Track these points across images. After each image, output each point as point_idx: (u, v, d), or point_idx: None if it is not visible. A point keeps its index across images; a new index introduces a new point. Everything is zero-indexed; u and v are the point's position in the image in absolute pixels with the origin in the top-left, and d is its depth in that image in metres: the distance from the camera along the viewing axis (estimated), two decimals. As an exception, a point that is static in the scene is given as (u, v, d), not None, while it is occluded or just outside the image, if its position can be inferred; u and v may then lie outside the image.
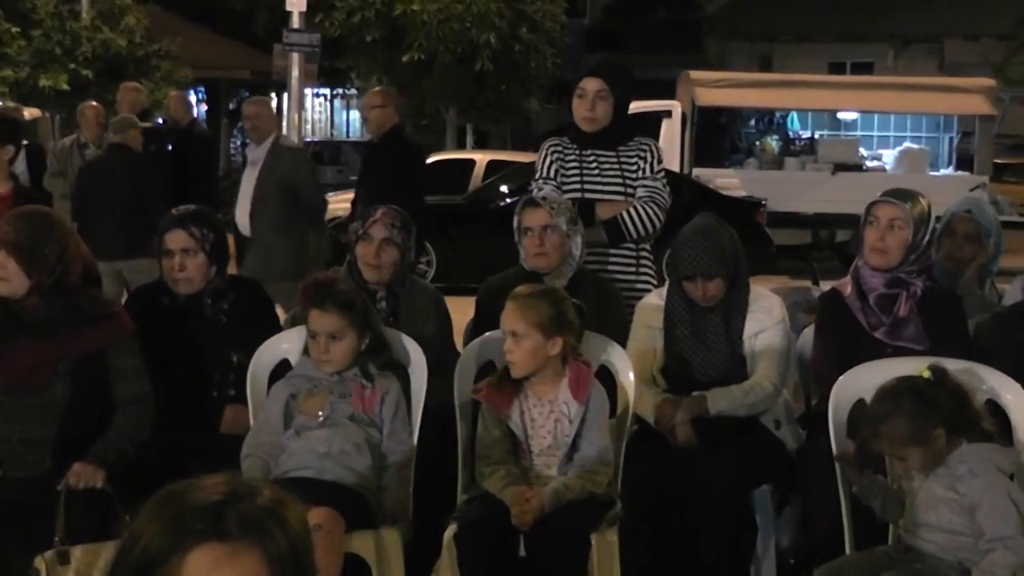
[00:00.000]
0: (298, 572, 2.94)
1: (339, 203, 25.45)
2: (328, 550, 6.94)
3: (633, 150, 9.67)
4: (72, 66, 37.06)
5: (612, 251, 9.36)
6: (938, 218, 9.08)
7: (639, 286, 9.31)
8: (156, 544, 2.92)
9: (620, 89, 9.68)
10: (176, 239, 8.30)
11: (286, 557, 2.93)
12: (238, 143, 40.95)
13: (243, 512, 2.94)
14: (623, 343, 8.21)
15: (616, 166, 9.52)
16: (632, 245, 9.49)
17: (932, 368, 6.58)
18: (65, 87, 36.98)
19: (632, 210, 9.40)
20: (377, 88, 20.91)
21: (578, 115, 9.60)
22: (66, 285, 7.52)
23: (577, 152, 9.50)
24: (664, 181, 9.70)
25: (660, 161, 9.85)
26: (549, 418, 7.47)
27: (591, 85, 9.57)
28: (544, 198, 8.85)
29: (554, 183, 9.31)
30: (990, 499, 6.33)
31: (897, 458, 6.57)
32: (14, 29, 38.22)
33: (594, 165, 9.48)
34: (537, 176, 9.47)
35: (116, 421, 7.54)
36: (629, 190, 9.48)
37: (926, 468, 6.48)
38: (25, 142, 17.30)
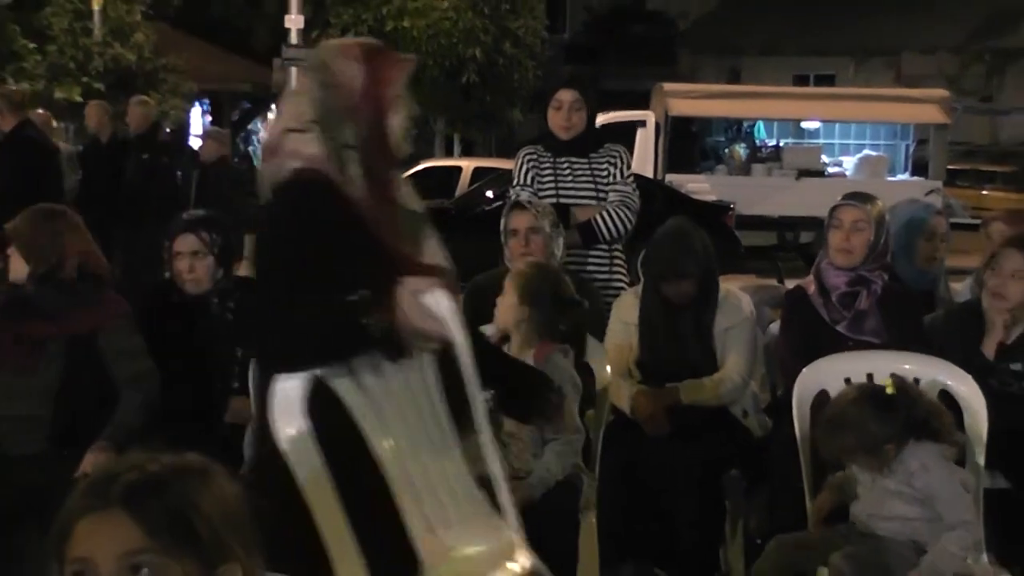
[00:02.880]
0: (188, 539, 2.85)
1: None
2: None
3: (604, 157, 9.67)
4: (85, 79, 36.97)
5: (589, 252, 9.35)
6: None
7: (614, 284, 9.32)
8: (61, 517, 2.89)
9: (591, 100, 9.69)
10: (186, 243, 8.33)
11: (164, 523, 2.84)
12: (245, 151, 40.79)
13: (124, 483, 2.87)
14: (601, 338, 8.21)
15: (588, 172, 9.53)
16: (605, 247, 9.49)
17: (895, 381, 6.59)
18: (78, 99, 36.82)
19: (605, 214, 9.43)
20: None
21: (555, 125, 9.60)
22: (60, 275, 7.59)
23: (551, 160, 9.51)
24: (634, 185, 9.73)
25: (629, 166, 9.86)
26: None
27: (567, 96, 9.57)
28: (530, 202, 8.86)
29: (531, 189, 9.31)
30: (946, 491, 6.38)
31: (847, 462, 6.61)
32: (31, 45, 38.14)
33: (568, 172, 9.48)
34: (515, 183, 9.47)
35: (121, 402, 7.59)
36: (601, 195, 9.50)
37: (874, 471, 6.51)
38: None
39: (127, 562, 2.82)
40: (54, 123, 25.44)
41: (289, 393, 4.68)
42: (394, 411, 4.75)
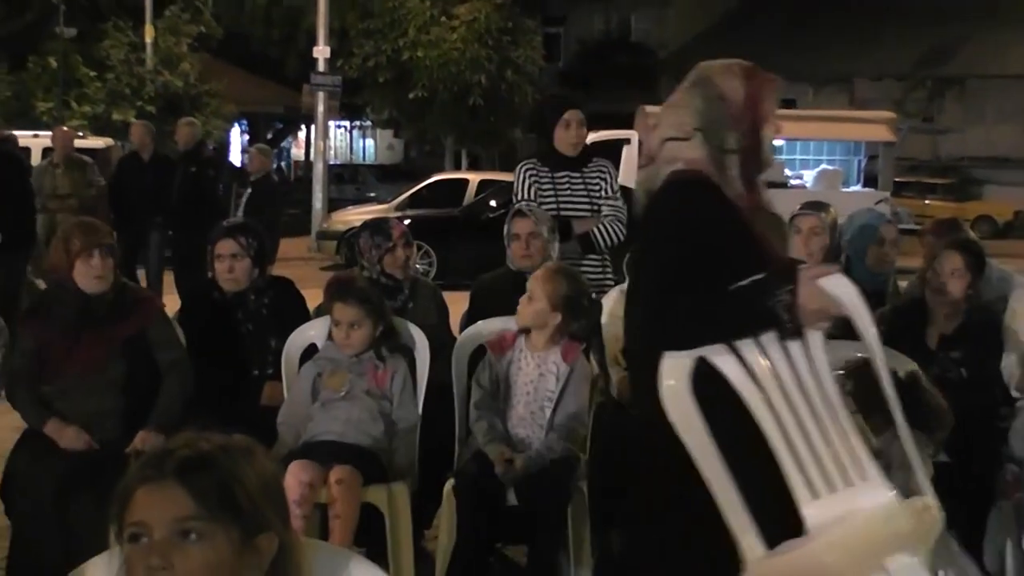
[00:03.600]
0: (231, 508, 2.86)
1: (358, 215, 25.46)
2: (348, 500, 7.00)
3: (595, 171, 9.67)
4: (138, 103, 37.06)
5: (582, 259, 9.33)
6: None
7: (605, 283, 9.30)
8: (121, 487, 2.88)
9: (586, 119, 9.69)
10: (227, 246, 8.32)
11: (211, 494, 2.84)
12: (274, 165, 40.92)
13: (178, 457, 2.88)
14: (592, 329, 8.21)
15: (582, 185, 9.51)
16: (596, 255, 9.47)
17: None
18: (132, 121, 36.94)
19: (601, 227, 9.42)
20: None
21: (564, 141, 9.55)
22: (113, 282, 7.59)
23: (550, 174, 9.47)
24: (622, 200, 9.70)
25: (617, 180, 9.86)
26: (535, 371, 7.49)
27: (575, 116, 9.55)
28: (531, 210, 8.84)
29: (533, 203, 9.27)
30: None
31: None
32: (92, 73, 38.22)
33: (566, 185, 9.46)
34: (518, 196, 9.43)
35: (164, 386, 7.59)
36: (595, 205, 9.48)
37: None
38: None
39: (178, 527, 2.82)
40: (105, 142, 25.47)
41: (677, 370, 4.64)
42: (779, 385, 4.70)
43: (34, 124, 33.96)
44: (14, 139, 16.37)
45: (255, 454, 3.02)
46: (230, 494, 2.87)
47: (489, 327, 7.87)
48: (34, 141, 26.85)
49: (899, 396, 6.34)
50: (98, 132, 32.18)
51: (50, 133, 21.83)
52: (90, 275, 7.44)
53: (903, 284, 9.38)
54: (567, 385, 7.42)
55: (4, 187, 12.83)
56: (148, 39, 38.93)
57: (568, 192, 9.45)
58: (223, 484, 2.88)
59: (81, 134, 23.56)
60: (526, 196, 9.36)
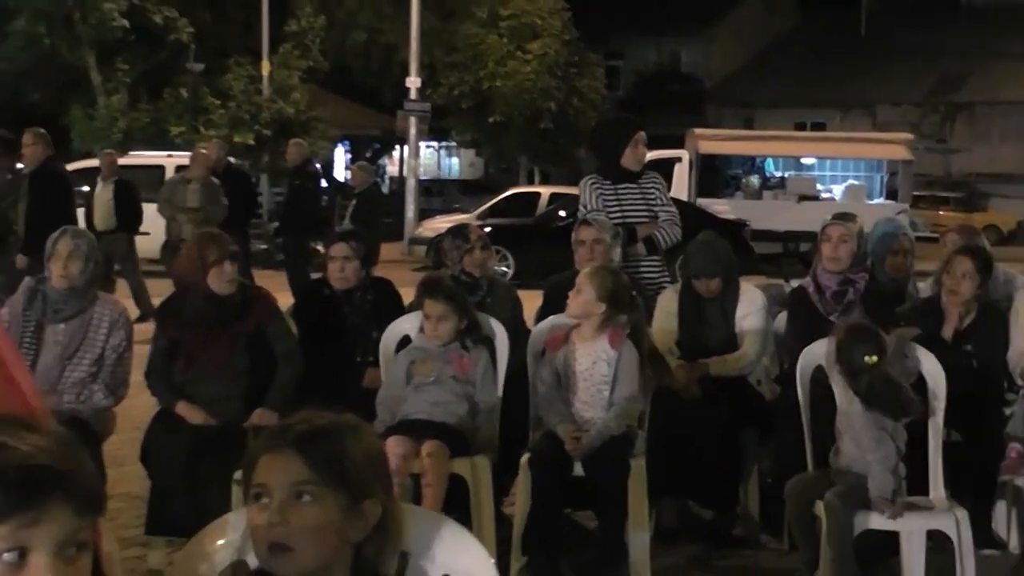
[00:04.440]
0: (341, 476, 2.85)
1: (444, 224, 25.49)
2: (437, 471, 7.01)
3: (649, 182, 9.62)
4: (256, 127, 37.24)
5: (642, 261, 9.30)
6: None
7: (662, 283, 9.25)
8: (248, 454, 2.92)
9: None
10: (339, 249, 8.38)
11: (324, 463, 2.85)
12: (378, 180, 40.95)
13: (296, 431, 2.90)
14: (648, 323, 8.17)
15: (640, 195, 9.47)
16: (657, 256, 9.45)
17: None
18: (251, 142, 37.18)
19: (661, 231, 9.39)
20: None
21: (633, 159, 9.56)
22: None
23: (613, 186, 9.43)
24: (675, 207, 9.69)
25: (668, 190, 9.90)
26: (588, 359, 7.42)
27: (641, 137, 9.60)
28: (595, 220, 8.81)
29: (600, 213, 9.24)
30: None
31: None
32: (216, 102, 38.41)
33: (627, 195, 9.43)
34: (586, 207, 9.39)
35: (279, 372, 7.64)
36: (652, 211, 9.44)
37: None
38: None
39: (294, 490, 2.84)
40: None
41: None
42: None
43: (168, 146, 34.19)
44: (60, 158, 16.32)
45: (361, 430, 3.02)
46: (339, 464, 2.87)
47: (558, 322, 7.81)
48: (168, 160, 27.08)
49: (873, 391, 6.44)
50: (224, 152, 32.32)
51: (183, 154, 21.93)
52: (222, 280, 7.50)
53: (922, 286, 9.32)
54: (618, 368, 7.37)
55: (49, 204, 12.41)
56: (265, 72, 39.08)
57: (630, 201, 9.42)
58: (334, 455, 2.87)
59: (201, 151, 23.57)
60: (593, 206, 9.33)
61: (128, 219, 18.22)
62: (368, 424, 3.12)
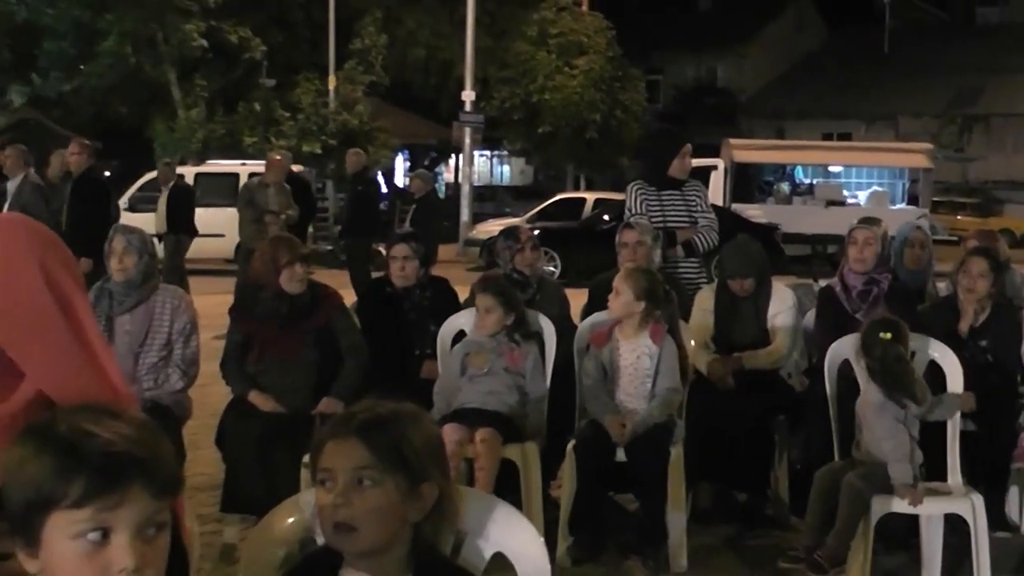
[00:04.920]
0: (400, 461, 2.85)
1: (496, 227, 25.49)
2: (490, 456, 7.03)
3: (691, 189, 9.64)
4: (323, 138, 37.31)
5: (681, 262, 9.30)
6: (893, 237, 9.12)
7: (700, 282, 9.24)
8: (315, 440, 2.94)
9: None
10: (400, 250, 8.46)
11: (384, 449, 2.85)
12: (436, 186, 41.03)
13: (359, 419, 2.91)
14: (686, 320, 8.16)
15: (682, 201, 9.48)
16: (695, 258, 9.45)
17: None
18: (318, 151, 37.28)
19: (700, 235, 9.40)
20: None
21: (680, 168, 9.63)
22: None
23: (657, 193, 9.43)
24: (714, 214, 9.71)
25: (708, 198, 9.91)
26: (632, 354, 7.42)
27: (688, 148, 9.69)
28: (637, 223, 8.82)
29: (644, 217, 9.23)
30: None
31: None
32: (286, 115, 38.53)
33: (669, 202, 9.43)
34: (631, 211, 9.39)
35: (344, 364, 7.64)
36: (692, 217, 9.45)
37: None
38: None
39: (356, 475, 2.84)
40: (297, 168, 25.60)
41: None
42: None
43: (242, 155, 34.37)
44: (100, 168, 16.24)
45: (420, 418, 3.02)
46: (399, 450, 2.87)
47: (601, 318, 7.80)
48: (241, 168, 27.22)
49: (886, 365, 6.41)
50: (291, 161, 32.44)
51: (257, 162, 21.97)
52: (293, 280, 7.52)
53: (941, 285, 9.29)
54: (660, 362, 7.37)
55: (90, 210, 12.35)
56: (331, 87, 39.18)
57: (672, 207, 9.42)
58: (393, 442, 2.87)
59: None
60: (638, 210, 9.33)
61: (177, 222, 18.30)
62: (426, 412, 3.12)
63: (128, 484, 2.20)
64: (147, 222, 20.17)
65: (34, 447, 2.23)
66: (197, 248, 24.47)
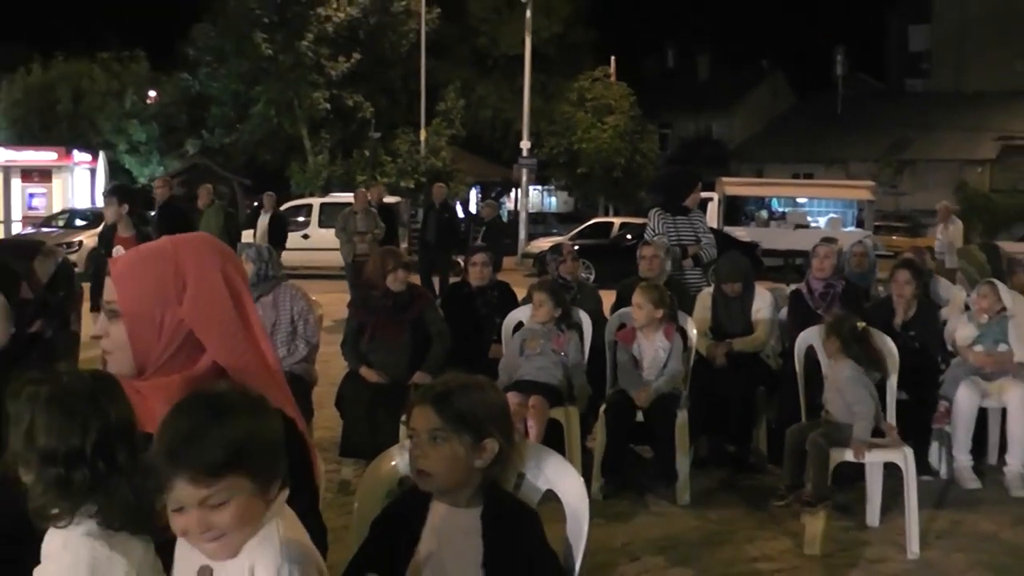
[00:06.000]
0: (464, 423, 2.83)
1: (546, 243, 25.46)
2: (540, 416, 7.00)
3: (695, 216, 9.57)
4: (416, 176, 37.45)
5: (687, 272, 9.23)
6: (844, 252, 9.17)
7: (700, 286, 9.14)
8: (407, 406, 2.95)
9: None
10: (479, 258, 8.55)
11: (450, 414, 2.84)
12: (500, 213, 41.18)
13: (435, 390, 2.92)
14: (690, 314, 8.11)
15: (689, 225, 9.40)
16: (700, 268, 9.38)
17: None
18: (412, 187, 37.40)
19: (704, 251, 9.36)
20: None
21: (693, 200, 9.60)
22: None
23: (672, 217, 9.37)
24: (712, 235, 9.64)
25: (707, 222, 9.88)
26: (651, 348, 7.39)
27: (700, 185, 9.78)
28: (653, 241, 8.77)
29: (662, 235, 9.17)
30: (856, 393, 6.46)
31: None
32: (388, 158, 38.68)
33: (681, 224, 9.36)
34: (655, 230, 9.31)
35: (432, 347, 7.61)
36: (696, 236, 9.37)
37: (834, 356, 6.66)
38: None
39: (430, 434, 2.84)
40: (393, 199, 25.64)
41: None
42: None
43: (355, 190, 34.55)
44: (180, 197, 15.98)
45: (486, 388, 2.98)
46: (463, 415, 2.85)
47: (626, 312, 7.75)
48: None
49: (856, 344, 6.34)
50: (392, 194, 32.58)
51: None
52: (397, 281, 7.56)
53: (882, 289, 9.26)
54: (671, 353, 7.37)
55: (171, 229, 11.73)
56: (422, 138, 39.31)
57: (683, 229, 9.36)
58: (459, 408, 2.85)
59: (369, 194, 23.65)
60: (659, 230, 9.27)
61: (273, 237, 18.29)
62: (493, 383, 3.07)
63: (171, 476, 2.11)
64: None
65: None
66: (319, 258, 24.71)
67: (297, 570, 2.15)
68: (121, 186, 10.52)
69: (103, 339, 2.68)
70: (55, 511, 2.30)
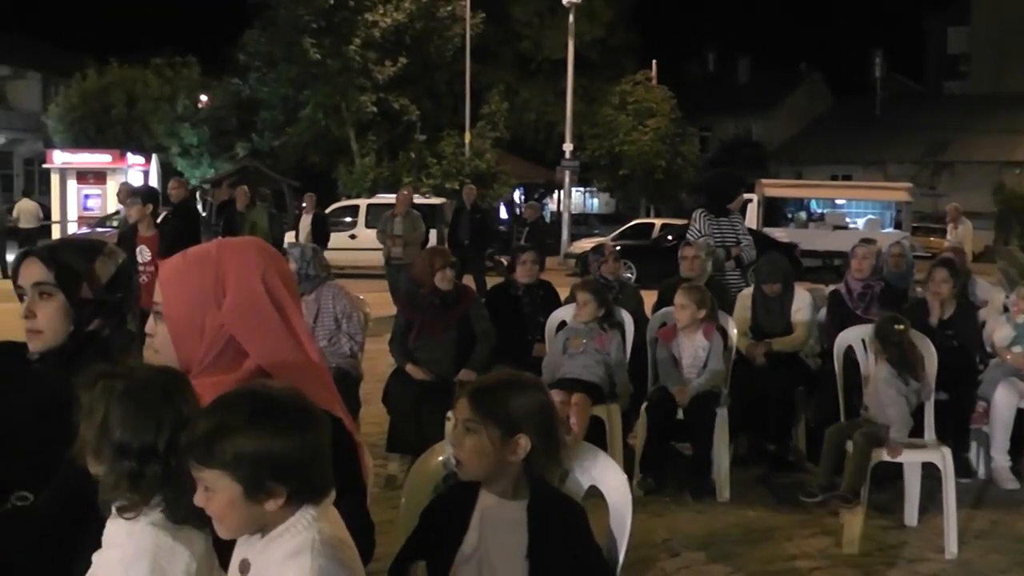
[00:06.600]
0: (494, 417, 2.86)
1: (588, 243, 25.43)
2: (582, 413, 7.02)
3: (735, 217, 9.57)
4: (460, 178, 37.42)
5: (727, 272, 9.21)
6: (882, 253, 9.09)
7: (740, 286, 9.12)
8: (456, 397, 2.99)
9: None
10: (528, 256, 8.55)
11: (481, 408, 2.87)
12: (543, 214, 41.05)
13: (472, 385, 2.97)
14: (730, 314, 8.09)
15: (729, 225, 9.39)
16: (739, 269, 9.36)
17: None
18: (457, 188, 37.35)
19: (745, 252, 9.34)
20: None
21: (737, 203, 9.63)
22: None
23: (715, 219, 9.35)
24: (751, 237, 9.62)
25: (746, 224, 9.86)
26: (691, 347, 7.39)
27: (744, 188, 9.93)
28: (694, 242, 8.76)
29: (705, 235, 9.16)
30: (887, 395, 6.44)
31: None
32: (434, 160, 38.72)
33: (724, 226, 9.35)
34: (699, 231, 9.30)
35: (478, 344, 7.62)
36: (737, 238, 9.36)
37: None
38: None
39: (464, 424, 2.88)
40: (438, 200, 25.63)
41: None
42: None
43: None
44: (193, 193, 15.84)
45: (526, 388, 2.97)
46: (494, 409, 2.87)
47: (668, 312, 7.74)
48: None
49: (894, 348, 6.27)
50: (437, 195, 32.63)
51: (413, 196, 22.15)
52: (444, 280, 7.58)
53: (919, 290, 9.20)
54: (711, 351, 7.36)
55: (183, 227, 11.46)
56: (467, 140, 39.33)
57: (724, 229, 9.34)
58: (490, 403, 2.88)
59: (419, 195, 23.74)
60: (704, 231, 9.26)
61: (316, 236, 18.33)
62: (537, 381, 3.06)
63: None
64: (332, 239, 20.55)
65: None
66: (365, 258, 24.79)
67: None
68: (144, 187, 10.56)
69: (151, 338, 2.73)
70: (124, 502, 2.33)
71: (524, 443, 2.88)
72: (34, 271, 3.00)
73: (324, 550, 2.12)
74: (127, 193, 13.42)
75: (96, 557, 2.39)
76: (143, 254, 9.78)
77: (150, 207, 10.24)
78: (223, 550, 2.35)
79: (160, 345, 2.71)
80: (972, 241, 19.99)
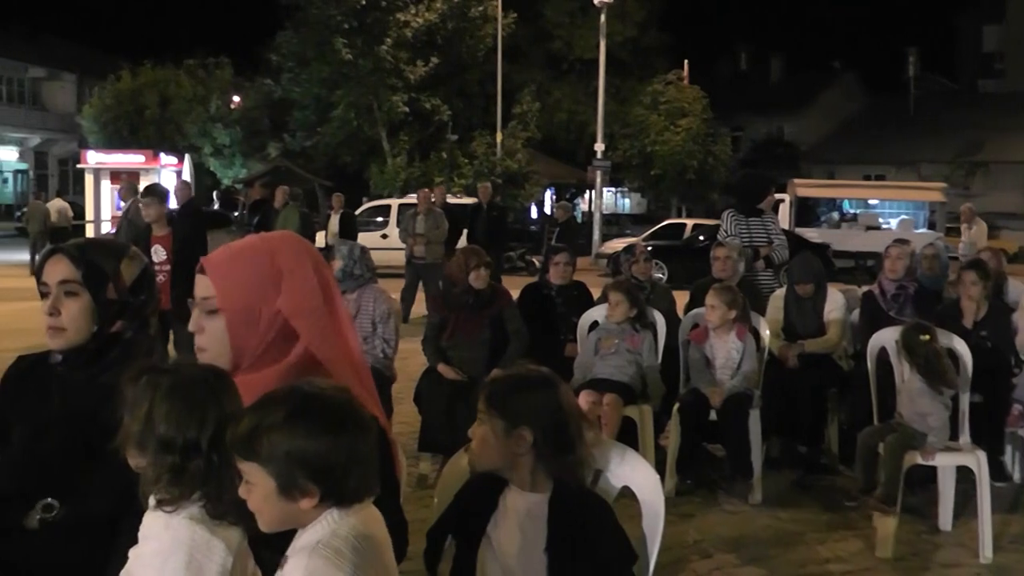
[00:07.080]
0: (501, 410, 2.95)
1: (620, 244, 25.39)
2: (613, 413, 7.04)
3: (769, 218, 9.54)
4: (492, 178, 37.42)
5: (760, 272, 9.18)
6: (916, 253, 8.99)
7: (773, 287, 9.09)
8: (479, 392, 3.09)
9: None
10: (562, 257, 8.54)
11: (490, 400, 2.97)
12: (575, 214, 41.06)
13: (492, 383, 3.06)
14: (762, 315, 8.06)
15: (761, 225, 9.35)
16: (771, 269, 9.33)
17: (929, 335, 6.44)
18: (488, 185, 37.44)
19: (776, 252, 9.28)
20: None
21: (768, 203, 9.59)
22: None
23: (745, 219, 9.33)
24: (784, 237, 9.55)
25: (779, 224, 9.79)
26: (724, 348, 7.38)
27: (774, 188, 9.84)
28: (726, 243, 8.73)
29: (734, 236, 9.14)
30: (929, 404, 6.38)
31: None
32: (465, 160, 38.78)
33: (754, 226, 9.32)
34: (728, 232, 9.28)
35: (511, 344, 7.62)
36: (768, 238, 9.30)
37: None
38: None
39: (479, 415, 2.99)
40: (469, 199, 25.56)
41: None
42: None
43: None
44: (195, 198, 15.72)
45: (540, 384, 3.02)
46: (502, 403, 2.94)
47: (700, 312, 7.75)
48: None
49: (923, 360, 6.21)
50: (469, 195, 32.66)
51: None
52: (478, 279, 7.58)
53: (951, 291, 9.13)
54: (744, 352, 7.35)
55: (188, 231, 11.56)
56: (498, 140, 39.34)
57: (756, 231, 9.31)
58: (498, 396, 2.96)
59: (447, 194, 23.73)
60: (732, 231, 9.24)
61: (343, 235, 18.33)
62: (561, 385, 3.07)
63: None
64: (364, 238, 20.58)
65: None
66: (396, 257, 24.74)
67: None
68: (159, 186, 10.55)
69: (197, 336, 2.72)
70: (164, 496, 2.35)
71: (527, 437, 2.93)
72: (61, 268, 3.00)
73: (325, 551, 2.12)
74: (133, 191, 13.48)
75: (132, 552, 2.40)
76: (158, 253, 9.82)
77: (166, 206, 10.27)
78: (261, 548, 2.37)
79: (208, 342, 2.70)
80: (986, 241, 19.77)
